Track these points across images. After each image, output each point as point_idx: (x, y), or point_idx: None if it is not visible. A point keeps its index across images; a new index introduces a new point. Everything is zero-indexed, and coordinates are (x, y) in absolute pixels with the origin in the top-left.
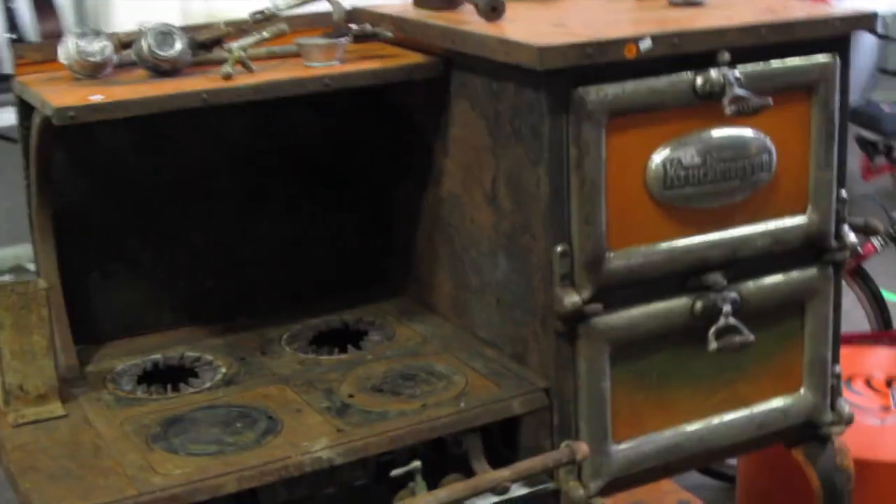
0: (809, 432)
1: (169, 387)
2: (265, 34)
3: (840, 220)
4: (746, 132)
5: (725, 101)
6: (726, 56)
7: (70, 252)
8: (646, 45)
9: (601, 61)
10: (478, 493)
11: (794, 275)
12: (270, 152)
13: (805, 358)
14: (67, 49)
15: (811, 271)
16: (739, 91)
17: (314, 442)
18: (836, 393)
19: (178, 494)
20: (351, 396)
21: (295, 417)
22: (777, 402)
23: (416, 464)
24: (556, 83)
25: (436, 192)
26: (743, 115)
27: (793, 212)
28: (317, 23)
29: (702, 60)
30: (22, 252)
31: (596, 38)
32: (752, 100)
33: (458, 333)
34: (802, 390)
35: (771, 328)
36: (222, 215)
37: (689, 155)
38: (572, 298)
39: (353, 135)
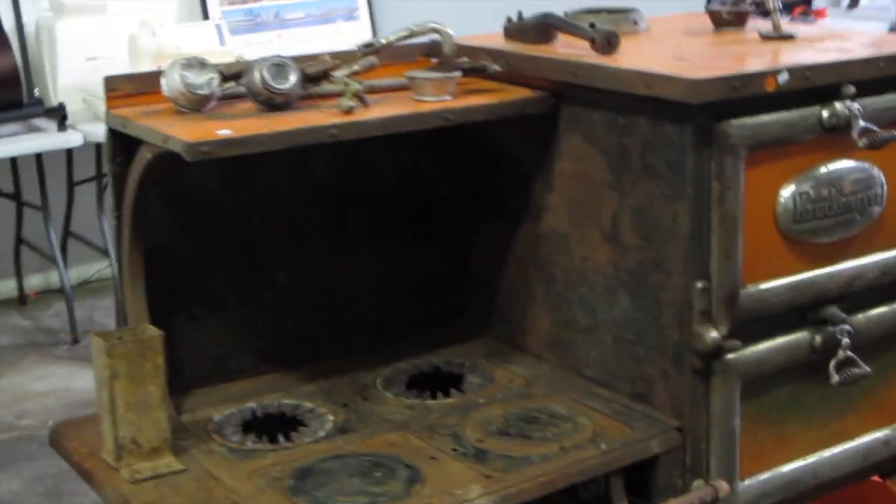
0: None
1: (280, 437)
2: (356, 67)
3: None
4: (866, 166)
5: (855, 133)
6: (851, 89)
7: (156, 294)
8: (783, 77)
9: (744, 95)
10: None
11: None
12: (353, 189)
13: None
14: (173, 81)
15: None
16: (866, 124)
17: (466, 490)
18: None
19: None
20: (480, 441)
21: (433, 465)
22: (879, 434)
23: None
24: (702, 117)
25: (533, 228)
26: (873, 147)
27: None
28: (402, 56)
29: (827, 94)
30: None
31: (739, 71)
32: (881, 133)
33: (561, 374)
34: None
35: (877, 359)
36: (307, 254)
37: (817, 189)
38: (712, 334)
39: (434, 170)
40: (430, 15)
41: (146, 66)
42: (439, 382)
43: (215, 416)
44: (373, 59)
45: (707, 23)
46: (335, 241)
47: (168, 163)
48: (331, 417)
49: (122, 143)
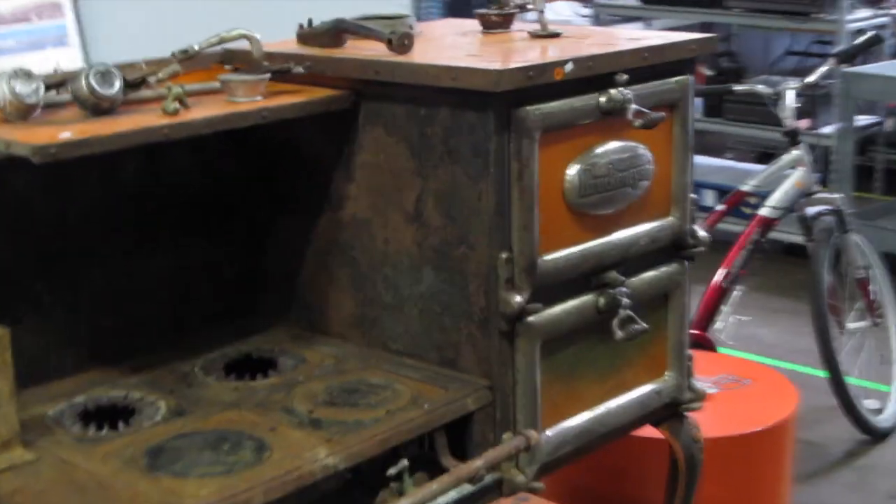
0: (672, 410)
1: (120, 424)
2: (160, 75)
3: (693, 220)
4: (638, 145)
5: (630, 115)
6: (624, 77)
7: None
8: (569, 67)
9: (537, 83)
10: (460, 482)
11: (663, 269)
12: (157, 193)
13: (669, 344)
14: (1, 91)
15: (674, 266)
16: (638, 107)
17: (314, 452)
18: (690, 374)
19: None
20: (311, 412)
21: (275, 435)
22: (652, 385)
23: (405, 462)
24: (501, 104)
25: (333, 218)
26: (647, 127)
27: (662, 214)
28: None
29: (603, 82)
30: None
31: (533, 62)
32: (651, 114)
33: (368, 351)
34: (667, 373)
35: (648, 318)
36: (118, 254)
37: (598, 166)
38: (517, 299)
39: (232, 173)
40: (144, 36)
41: None
42: (253, 367)
43: (48, 411)
44: (176, 66)
45: (474, 26)
46: (142, 242)
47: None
48: (162, 403)
49: None
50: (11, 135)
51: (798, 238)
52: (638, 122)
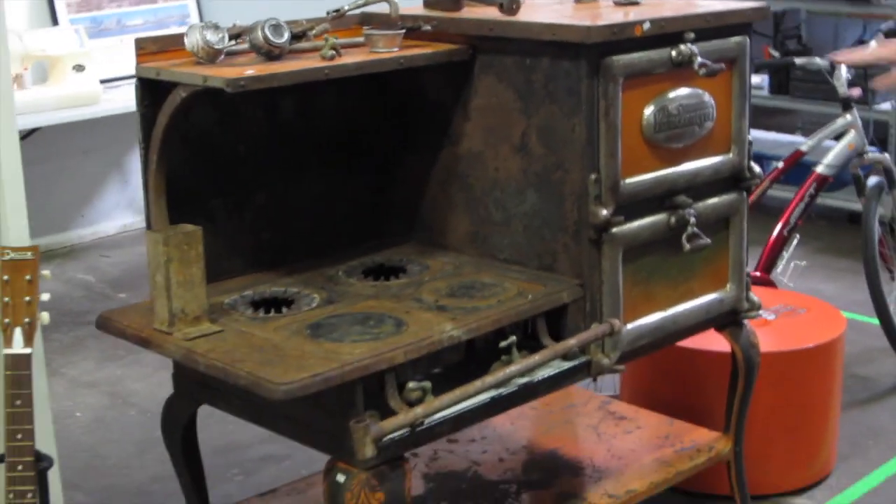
0: (732, 318)
1: (284, 309)
2: (315, 30)
3: (750, 158)
4: (703, 91)
5: (696, 66)
6: (692, 35)
7: (168, 209)
8: (647, 26)
9: (620, 38)
10: (557, 356)
11: (725, 197)
12: (307, 131)
13: (730, 261)
14: (195, 38)
15: (734, 195)
16: (703, 59)
17: (442, 326)
18: (748, 288)
19: (367, 365)
20: (437, 301)
21: (410, 316)
22: (716, 294)
23: (514, 337)
24: (592, 54)
25: (452, 151)
26: (709, 76)
27: (724, 150)
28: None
29: (674, 38)
30: None
31: (616, 21)
32: (713, 65)
33: (479, 260)
34: (729, 285)
35: (712, 237)
36: (277, 181)
37: (670, 107)
38: (603, 212)
39: (365, 114)
40: (258, 13)
41: (14, 69)
42: (386, 272)
43: (224, 300)
44: (326, 24)
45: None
46: (296, 171)
47: (192, 102)
48: (315, 296)
49: (147, 90)
50: (206, 72)
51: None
52: (702, 72)
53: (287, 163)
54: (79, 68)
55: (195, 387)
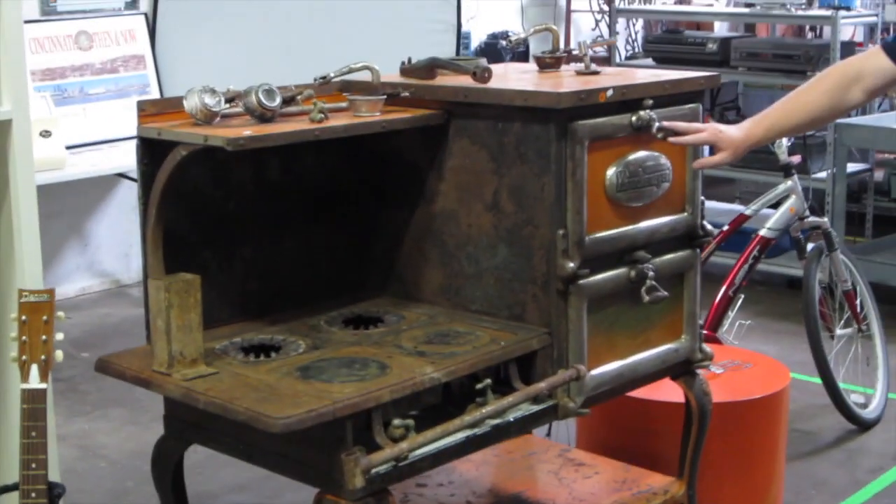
0: (686, 367)
1: (272, 354)
2: (303, 95)
3: (703, 217)
4: (660, 154)
5: (654, 130)
6: (650, 101)
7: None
8: (610, 93)
9: (587, 103)
10: (529, 397)
11: (680, 253)
12: (291, 188)
13: (684, 313)
14: (195, 101)
15: (688, 251)
16: (660, 124)
17: (423, 369)
18: (701, 339)
19: (357, 402)
20: (416, 347)
21: (392, 360)
22: (671, 345)
23: (488, 380)
24: (561, 119)
25: (427, 210)
26: (665, 139)
27: (680, 210)
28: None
29: (634, 105)
30: None
31: (583, 88)
32: (669, 129)
33: (453, 311)
34: (683, 336)
35: (668, 291)
36: (263, 234)
37: (630, 168)
38: (570, 265)
39: (345, 174)
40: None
41: None
42: (365, 322)
43: (216, 346)
44: (311, 90)
45: (531, 67)
46: (280, 227)
47: (190, 161)
48: (301, 342)
49: (147, 150)
50: (207, 132)
51: (797, 271)
52: (661, 136)
53: (272, 219)
54: (45, 134)
55: (187, 427)
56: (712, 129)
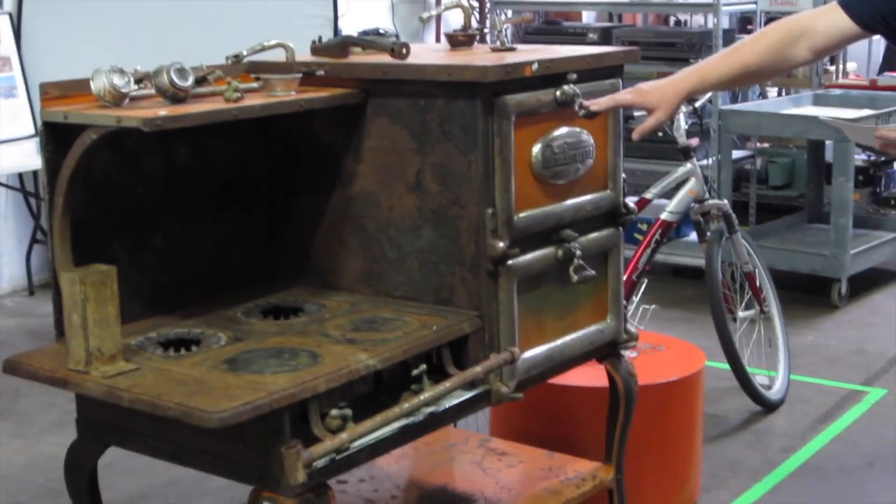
0: (612, 349)
1: (193, 347)
2: (213, 75)
3: (625, 195)
4: (582, 131)
5: (577, 107)
6: (574, 76)
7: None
8: (535, 66)
9: (513, 77)
10: (465, 383)
11: (604, 232)
12: (201, 174)
13: (609, 293)
14: (102, 82)
15: (612, 230)
16: (582, 101)
17: (357, 357)
18: (626, 319)
19: (293, 393)
20: (344, 335)
21: (322, 349)
22: (598, 326)
23: (423, 366)
24: (487, 93)
25: (344, 193)
26: (588, 118)
27: (603, 187)
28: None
29: (558, 79)
30: None
31: (509, 61)
32: (591, 105)
33: (376, 298)
34: (609, 317)
35: (594, 270)
36: (174, 223)
37: (555, 145)
38: (500, 245)
39: (257, 158)
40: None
41: None
42: (284, 312)
43: (131, 342)
44: (219, 72)
45: (443, 46)
46: (190, 215)
47: (98, 145)
48: (221, 335)
49: (51, 135)
50: (119, 113)
51: (683, 259)
52: (582, 113)
53: (182, 206)
54: None
55: (104, 429)
56: (633, 90)
